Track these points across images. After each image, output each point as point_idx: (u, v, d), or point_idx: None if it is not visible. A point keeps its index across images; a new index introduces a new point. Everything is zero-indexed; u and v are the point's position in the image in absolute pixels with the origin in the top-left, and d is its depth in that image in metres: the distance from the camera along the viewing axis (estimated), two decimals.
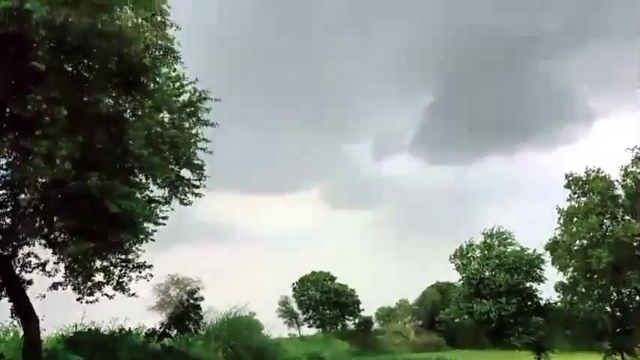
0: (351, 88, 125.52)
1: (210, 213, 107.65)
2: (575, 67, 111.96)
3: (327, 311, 73.20)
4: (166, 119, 16.75)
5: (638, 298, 35.31)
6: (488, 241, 39.91)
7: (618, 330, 35.41)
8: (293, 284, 76.10)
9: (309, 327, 74.57)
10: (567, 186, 36.86)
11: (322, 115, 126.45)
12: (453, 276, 42.27)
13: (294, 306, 76.48)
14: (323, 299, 71.97)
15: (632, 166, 20.83)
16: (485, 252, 39.16)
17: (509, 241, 39.36)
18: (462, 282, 39.95)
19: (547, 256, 37.61)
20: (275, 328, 51.68)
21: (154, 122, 15.51)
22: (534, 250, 37.75)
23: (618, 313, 35.34)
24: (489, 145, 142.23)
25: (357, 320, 75.21)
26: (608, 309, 35.10)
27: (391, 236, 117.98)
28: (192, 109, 16.99)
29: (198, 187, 18.29)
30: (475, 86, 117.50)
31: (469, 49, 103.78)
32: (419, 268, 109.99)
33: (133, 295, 17.63)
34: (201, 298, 22.02)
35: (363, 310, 75.61)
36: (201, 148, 17.73)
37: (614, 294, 34.99)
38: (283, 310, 77.63)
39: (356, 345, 61.37)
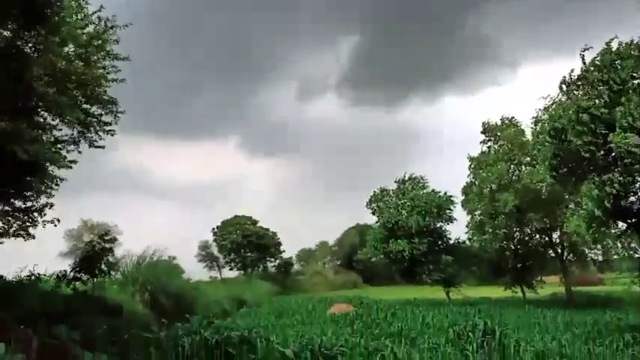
0: (272, 32, 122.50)
1: (128, 158, 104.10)
2: (503, 18, 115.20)
3: (249, 254, 73.95)
4: (72, 54, 15.59)
5: (537, 236, 38.27)
6: (401, 186, 41.39)
7: (519, 266, 38.45)
8: (214, 229, 75.93)
9: (230, 270, 75.38)
10: (483, 132, 38.94)
11: (242, 61, 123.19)
12: (372, 218, 43.61)
13: (215, 250, 76.73)
14: (244, 242, 72.46)
15: (543, 114, 21.59)
16: (400, 196, 40.57)
17: (421, 184, 40.99)
18: (378, 224, 41.30)
19: (458, 198, 39.72)
20: (196, 272, 51.75)
21: (59, 58, 14.40)
22: (445, 193, 39.57)
23: (520, 251, 38.23)
24: (414, 87, 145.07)
25: (277, 262, 76.69)
26: (512, 247, 37.82)
27: (313, 180, 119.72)
28: (100, 41, 15.79)
29: (109, 123, 17.36)
30: (401, 29, 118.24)
31: None
32: (339, 211, 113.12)
33: (34, 238, 17.02)
34: (114, 240, 21.25)
35: (284, 252, 77.25)
36: (114, 79, 16.66)
37: (517, 234, 37.68)
38: (203, 255, 77.64)
39: (277, 286, 62.77)
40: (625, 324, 20.28)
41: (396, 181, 42.36)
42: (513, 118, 38.13)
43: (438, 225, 39.29)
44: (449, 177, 78.81)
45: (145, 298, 23.67)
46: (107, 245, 21.13)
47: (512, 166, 36.37)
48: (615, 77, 14.38)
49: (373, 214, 41.88)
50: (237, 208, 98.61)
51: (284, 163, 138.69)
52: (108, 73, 16.41)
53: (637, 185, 16.74)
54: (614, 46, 15.22)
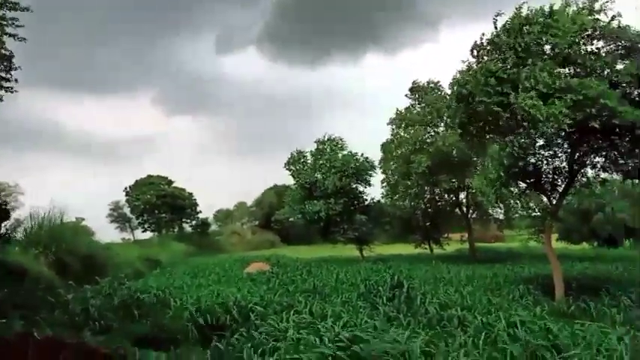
0: None
1: (34, 113, 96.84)
2: None
3: (163, 215, 72.18)
4: None
5: (446, 196, 40.21)
6: (320, 147, 41.55)
7: (428, 224, 40.41)
8: (126, 189, 73.13)
9: (143, 231, 73.24)
10: (411, 91, 39.95)
11: (158, 10, 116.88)
12: (291, 180, 43.63)
13: (127, 211, 74.19)
14: (158, 203, 70.50)
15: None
16: (317, 157, 40.79)
17: (339, 146, 41.40)
18: (295, 185, 41.46)
19: (377, 158, 40.71)
20: (107, 234, 49.86)
21: None
22: (362, 154, 40.31)
23: (430, 210, 40.09)
24: (338, 45, 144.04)
25: (194, 223, 75.52)
26: (422, 206, 39.50)
27: (231, 140, 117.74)
28: None
29: (8, 80, 15.93)
30: None
31: None
32: (258, 172, 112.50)
33: None
34: (8, 201, 19.89)
35: (200, 212, 76.08)
36: (11, 35, 15.21)
37: (428, 193, 39.36)
38: (115, 216, 74.94)
39: (193, 246, 61.95)
40: (520, 277, 21.99)
41: (315, 142, 42.54)
42: (439, 82, 39.34)
43: (354, 186, 40.08)
44: (370, 137, 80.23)
45: (50, 260, 22.50)
46: (3, 206, 19.78)
47: (428, 128, 37.72)
48: (521, 42, 14.98)
49: (291, 176, 41.96)
50: (152, 168, 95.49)
51: (202, 120, 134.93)
52: (6, 25, 14.93)
53: (536, 148, 17.90)
54: (524, 11, 15.76)
